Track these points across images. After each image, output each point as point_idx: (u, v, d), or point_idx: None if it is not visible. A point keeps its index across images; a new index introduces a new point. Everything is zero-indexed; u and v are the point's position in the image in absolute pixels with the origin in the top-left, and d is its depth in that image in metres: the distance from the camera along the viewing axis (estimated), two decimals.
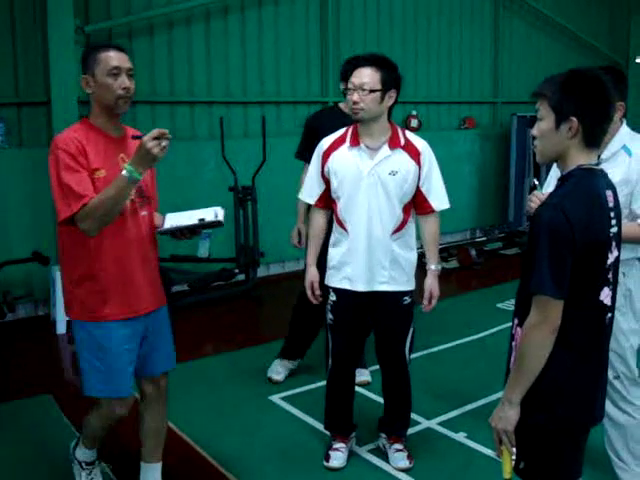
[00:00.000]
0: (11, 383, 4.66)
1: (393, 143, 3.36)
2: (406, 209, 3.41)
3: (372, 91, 3.26)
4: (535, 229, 2.03)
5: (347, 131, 3.44)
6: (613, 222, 2.13)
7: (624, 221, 2.49)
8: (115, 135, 2.88)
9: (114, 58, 2.79)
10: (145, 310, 2.94)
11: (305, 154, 4.31)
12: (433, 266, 3.50)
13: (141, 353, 2.96)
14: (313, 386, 4.49)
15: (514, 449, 2.15)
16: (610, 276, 2.14)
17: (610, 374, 3.02)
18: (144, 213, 2.93)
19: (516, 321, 2.20)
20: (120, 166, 2.75)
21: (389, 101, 3.34)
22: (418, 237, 3.52)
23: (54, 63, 5.84)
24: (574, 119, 2.05)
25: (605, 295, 2.13)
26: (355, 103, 3.28)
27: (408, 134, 3.45)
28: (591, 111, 2.06)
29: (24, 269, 5.94)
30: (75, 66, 5.94)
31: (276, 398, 4.42)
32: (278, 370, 4.69)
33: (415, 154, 3.38)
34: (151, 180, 3.04)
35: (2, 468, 3.55)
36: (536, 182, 2.79)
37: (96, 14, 6.43)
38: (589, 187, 2.08)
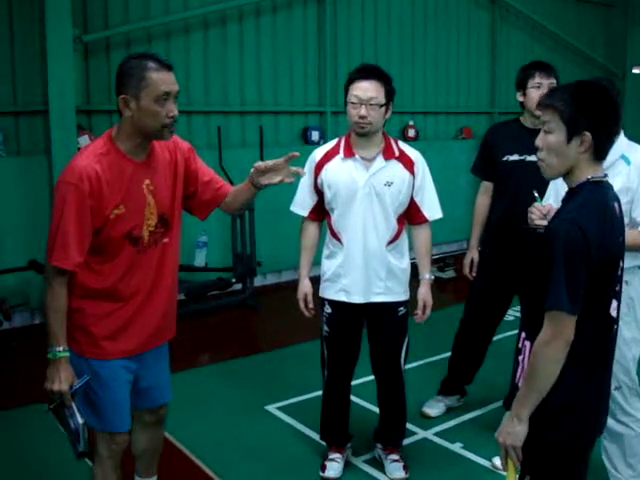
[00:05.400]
0: (7, 392, 4.63)
1: (388, 154, 3.35)
2: (400, 219, 3.41)
3: (380, 106, 3.25)
4: (551, 244, 1.97)
5: (339, 142, 3.42)
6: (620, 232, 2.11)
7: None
8: (141, 159, 2.56)
9: (164, 81, 2.42)
10: (148, 348, 2.73)
11: (481, 170, 4.20)
12: (427, 275, 3.50)
13: (142, 387, 2.77)
14: (309, 396, 4.48)
15: (519, 463, 2.12)
16: (618, 288, 2.12)
17: (611, 385, 3.01)
18: (165, 240, 2.66)
19: (523, 334, 2.17)
20: (144, 195, 2.54)
21: (388, 113, 3.34)
22: (410, 247, 3.52)
23: (52, 72, 5.84)
24: (588, 134, 2.00)
25: (613, 308, 2.11)
26: (363, 117, 3.23)
27: (401, 144, 3.45)
28: (604, 126, 2.02)
29: (20, 278, 5.93)
30: (73, 75, 5.98)
31: (272, 408, 4.40)
32: (431, 404, 4.33)
33: (409, 164, 3.38)
34: (179, 196, 2.73)
35: None
36: (535, 194, 2.74)
37: (94, 23, 6.44)
38: (600, 200, 2.05)
